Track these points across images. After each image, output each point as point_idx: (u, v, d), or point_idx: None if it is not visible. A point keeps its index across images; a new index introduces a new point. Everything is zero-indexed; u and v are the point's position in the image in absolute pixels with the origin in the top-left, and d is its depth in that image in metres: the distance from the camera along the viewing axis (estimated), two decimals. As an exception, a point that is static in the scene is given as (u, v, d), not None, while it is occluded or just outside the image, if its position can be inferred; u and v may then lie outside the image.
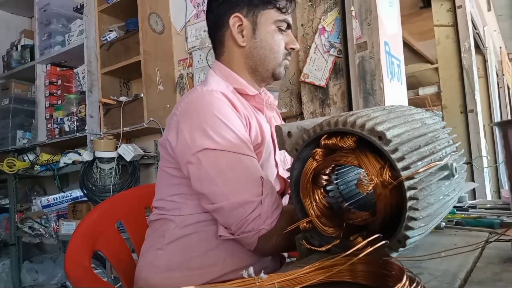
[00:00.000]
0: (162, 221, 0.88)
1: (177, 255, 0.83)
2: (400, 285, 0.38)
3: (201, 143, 0.77)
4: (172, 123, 0.84)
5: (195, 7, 2.23)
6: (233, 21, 0.92)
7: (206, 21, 0.99)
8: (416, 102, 3.81)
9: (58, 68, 2.76)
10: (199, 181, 0.78)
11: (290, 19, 0.96)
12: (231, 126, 0.80)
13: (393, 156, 0.54)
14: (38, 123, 2.74)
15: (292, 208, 0.82)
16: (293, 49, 0.97)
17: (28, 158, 2.62)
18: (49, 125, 2.64)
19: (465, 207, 0.92)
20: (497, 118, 4.11)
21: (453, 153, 0.65)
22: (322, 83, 1.58)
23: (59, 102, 2.67)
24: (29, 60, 2.92)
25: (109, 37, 2.33)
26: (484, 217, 0.79)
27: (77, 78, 2.60)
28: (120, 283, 1.03)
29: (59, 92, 2.70)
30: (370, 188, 0.56)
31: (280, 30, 0.94)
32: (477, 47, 3.71)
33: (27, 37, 3.06)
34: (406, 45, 3.80)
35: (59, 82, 2.71)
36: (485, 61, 4.12)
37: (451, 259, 0.55)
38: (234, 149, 0.78)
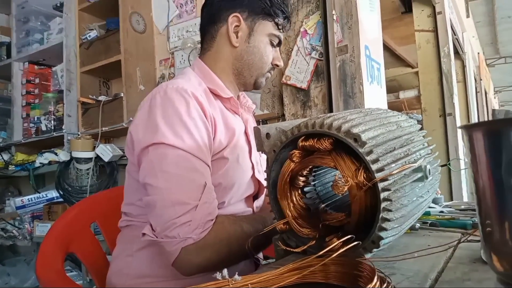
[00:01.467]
0: (130, 227, 0.86)
1: (146, 262, 0.81)
2: (371, 285, 0.39)
3: (151, 138, 0.75)
4: (135, 118, 0.84)
5: (178, 8, 2.21)
6: (232, 19, 0.92)
7: (202, 12, 0.98)
8: (397, 105, 3.88)
9: (36, 67, 2.70)
10: (143, 172, 0.75)
11: (282, 37, 0.99)
12: (189, 126, 0.77)
13: (368, 158, 0.54)
14: (14, 122, 2.67)
15: (235, 219, 0.79)
16: (277, 65, 1.00)
17: (3, 158, 2.54)
18: (26, 124, 2.57)
19: (440, 208, 0.94)
20: (474, 121, 4.23)
21: (427, 156, 0.66)
22: (304, 85, 1.59)
23: (36, 101, 2.61)
24: (5, 57, 2.84)
25: (89, 36, 2.28)
26: (457, 218, 0.81)
27: (55, 76, 2.54)
28: (95, 287, 1.01)
29: (36, 90, 2.63)
30: (345, 189, 0.56)
31: (272, 44, 0.96)
32: (456, 52, 3.81)
33: (4, 34, 2.97)
34: (388, 49, 3.87)
35: (37, 80, 2.64)
36: (463, 66, 4.23)
37: (423, 260, 0.55)
38: (186, 148, 0.74)
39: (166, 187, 0.72)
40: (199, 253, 0.71)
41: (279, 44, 0.99)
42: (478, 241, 0.60)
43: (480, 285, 0.44)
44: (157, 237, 0.72)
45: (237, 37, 0.93)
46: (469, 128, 0.29)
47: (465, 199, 2.68)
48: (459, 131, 2.89)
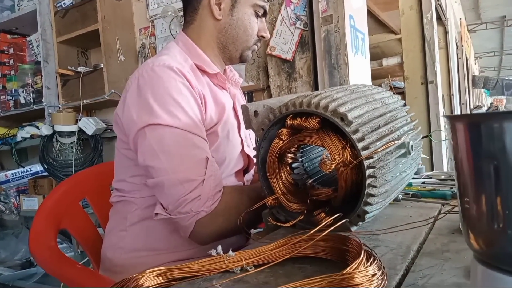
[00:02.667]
0: (123, 203, 0.87)
1: (141, 236, 0.83)
2: (358, 260, 0.41)
3: (146, 119, 0.75)
4: (122, 97, 0.82)
5: (156, -28, 2.12)
6: None
7: None
8: (379, 72, 3.89)
9: (8, 36, 2.58)
10: (143, 155, 0.76)
11: (267, 7, 0.96)
12: (181, 103, 0.77)
13: (354, 137, 0.56)
14: (-10, 95, 2.57)
15: (238, 189, 0.82)
16: (264, 37, 0.97)
17: (-18, 132, 2.47)
18: (3, 97, 2.49)
19: (421, 178, 0.98)
20: (455, 88, 4.30)
21: (410, 131, 0.69)
22: (289, 57, 1.58)
23: (12, 72, 2.51)
24: (-26, 25, 2.70)
25: (64, 3, 2.18)
26: (438, 189, 0.85)
27: (31, 47, 2.45)
28: (87, 258, 1.03)
29: (11, 61, 2.53)
30: (333, 167, 0.58)
31: (257, 14, 0.94)
32: (438, 18, 3.80)
33: (-29, 0, 2.80)
34: (371, 15, 3.83)
35: (11, 51, 2.53)
36: (446, 33, 4.24)
37: (406, 232, 0.59)
38: (182, 127, 0.75)
39: (170, 167, 0.73)
40: (212, 223, 0.74)
41: (265, 14, 0.96)
42: (457, 212, 0.64)
43: (458, 256, 0.48)
44: (170, 215, 0.74)
45: (219, 9, 0.90)
46: (452, 119, 0.31)
47: (445, 167, 2.78)
48: (440, 99, 2.94)
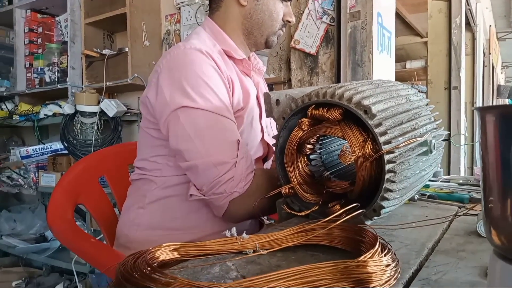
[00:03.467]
0: (143, 181, 0.89)
1: (158, 215, 0.85)
2: (372, 250, 0.41)
3: (180, 101, 0.77)
4: (153, 81, 0.83)
5: (186, -40, 2.13)
6: None
7: None
8: (402, 75, 3.83)
9: (38, 15, 2.63)
10: (176, 138, 0.78)
11: None
12: (212, 86, 0.79)
13: (377, 130, 0.56)
14: (17, 72, 2.64)
15: (267, 172, 0.84)
16: (289, 21, 0.97)
17: (7, 107, 2.55)
18: (29, 75, 2.55)
19: (439, 181, 0.97)
20: (479, 96, 4.20)
21: (433, 130, 0.68)
22: (313, 51, 1.57)
23: (40, 51, 2.56)
24: (6, 3, 2.76)
25: (94, -15, 2.21)
26: (455, 192, 0.84)
27: (59, 27, 2.49)
28: (101, 235, 1.05)
29: (39, 40, 2.59)
30: (352, 159, 0.58)
31: (281, 1, 0.94)
32: (467, 23, 3.71)
33: (5, -22, 2.87)
34: (398, 16, 3.76)
35: (40, 30, 2.59)
36: (473, 39, 4.13)
37: (421, 230, 0.58)
38: (214, 110, 0.77)
39: (204, 150, 0.75)
40: (245, 203, 0.76)
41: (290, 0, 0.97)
42: (474, 215, 0.63)
43: (474, 256, 0.47)
44: (205, 196, 0.77)
45: None
46: (483, 110, 0.30)
47: (462, 173, 2.73)
48: (463, 106, 2.88)
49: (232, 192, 0.75)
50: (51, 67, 2.42)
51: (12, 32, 2.76)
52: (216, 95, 0.79)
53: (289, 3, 0.97)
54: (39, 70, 2.47)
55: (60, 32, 2.49)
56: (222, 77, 0.82)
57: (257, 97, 0.96)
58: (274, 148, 0.71)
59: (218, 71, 0.82)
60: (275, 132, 0.74)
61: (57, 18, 2.52)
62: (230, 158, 0.76)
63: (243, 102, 0.88)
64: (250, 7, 0.92)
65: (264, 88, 1.05)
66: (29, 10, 2.61)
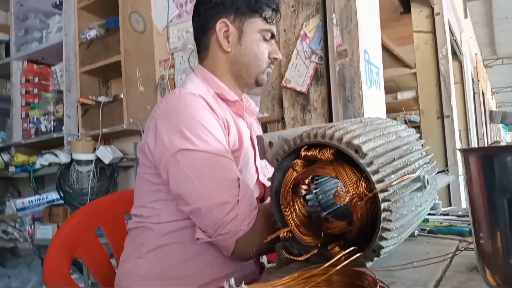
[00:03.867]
0: (140, 229, 0.88)
1: (156, 264, 0.83)
2: (373, 297, 0.40)
3: (178, 144, 0.78)
4: (151, 126, 0.84)
5: (177, 7, 2.21)
6: (219, 26, 0.93)
7: (193, 24, 1.00)
8: (394, 106, 3.89)
9: (35, 65, 2.69)
10: (177, 182, 0.78)
11: (274, 30, 0.98)
12: (209, 128, 0.80)
13: (369, 169, 0.56)
14: (13, 122, 2.66)
15: (268, 206, 0.83)
16: (276, 58, 0.99)
17: (2, 159, 2.54)
18: (25, 125, 2.57)
19: (438, 214, 0.96)
20: (472, 123, 4.25)
21: (425, 165, 0.68)
22: (303, 89, 1.60)
23: (36, 101, 2.60)
24: (4, 56, 2.84)
25: (89, 35, 2.29)
26: (455, 225, 0.83)
27: (54, 76, 2.55)
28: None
29: (35, 90, 2.63)
30: (347, 199, 0.58)
31: (265, 39, 0.96)
32: (454, 53, 3.82)
33: (2, 31, 2.96)
34: (386, 49, 3.89)
35: (36, 80, 2.64)
36: (461, 67, 4.25)
37: (422, 268, 0.57)
38: (212, 150, 0.78)
39: (206, 192, 0.76)
40: (252, 240, 0.76)
41: (273, 37, 0.98)
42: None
43: (477, 296, 0.46)
44: (211, 238, 0.76)
45: (228, 42, 0.94)
46: (465, 152, 0.31)
47: (463, 203, 2.70)
48: (457, 133, 2.91)
49: (237, 231, 0.75)
50: (47, 116, 2.44)
51: (8, 83, 2.81)
52: (213, 136, 0.80)
53: (273, 41, 0.99)
54: (35, 120, 2.49)
55: (56, 81, 2.54)
56: (217, 119, 0.84)
57: (251, 139, 0.97)
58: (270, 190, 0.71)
59: (213, 113, 0.84)
60: (271, 172, 0.74)
61: (52, 68, 2.58)
62: (231, 197, 0.76)
63: (239, 143, 0.89)
64: (235, 52, 0.94)
65: (258, 129, 1.06)
66: (26, 61, 2.67)
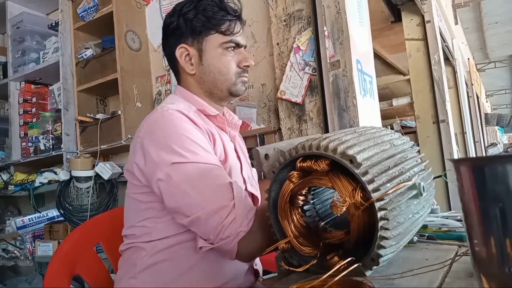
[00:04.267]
0: (132, 249, 0.88)
1: (150, 282, 0.83)
2: (372, 306, 0.41)
3: (168, 159, 0.79)
4: (137, 146, 0.85)
5: (172, 24, 2.25)
6: (179, 52, 0.95)
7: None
8: (390, 112, 3.92)
9: (32, 86, 2.71)
10: (172, 196, 0.79)
11: (238, 39, 0.96)
12: (195, 140, 0.82)
13: (364, 179, 0.57)
14: (12, 142, 2.67)
15: (261, 207, 0.82)
16: (247, 66, 0.98)
17: (2, 178, 2.54)
18: (24, 144, 2.57)
19: (437, 220, 0.96)
20: (467, 126, 4.28)
21: (421, 172, 0.69)
22: (299, 100, 1.62)
23: (34, 120, 2.61)
24: (1, 77, 2.86)
25: (85, 54, 2.31)
26: (453, 230, 0.83)
27: (52, 95, 2.56)
28: (100, 307, 1.02)
29: (33, 110, 2.64)
30: (344, 209, 0.59)
31: (228, 51, 0.95)
32: (446, 59, 3.87)
33: (0, 53, 2.99)
34: (379, 57, 3.94)
35: (34, 99, 2.65)
36: (454, 72, 4.30)
37: (422, 275, 0.58)
38: (202, 160, 0.79)
39: (203, 200, 0.77)
40: (253, 239, 0.76)
41: (239, 46, 0.97)
42: (473, 255, 0.62)
43: (475, 301, 0.46)
44: (213, 244, 0.77)
45: (191, 64, 0.96)
46: (456, 162, 0.32)
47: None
48: (453, 137, 2.93)
49: (237, 233, 0.75)
50: (45, 135, 2.45)
51: (7, 104, 2.82)
52: (201, 146, 0.82)
53: (241, 49, 0.98)
54: (33, 139, 2.50)
55: (54, 100, 2.55)
56: (202, 132, 0.86)
57: (236, 150, 0.99)
58: (259, 199, 0.72)
59: (196, 127, 0.85)
60: (257, 181, 0.75)
61: (50, 87, 2.59)
62: (227, 201, 0.77)
63: (224, 155, 0.91)
64: (199, 72, 0.96)
65: (241, 142, 1.08)
66: (23, 82, 2.69)
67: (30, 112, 2.65)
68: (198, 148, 0.81)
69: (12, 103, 2.71)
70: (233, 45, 0.95)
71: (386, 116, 3.90)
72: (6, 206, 2.90)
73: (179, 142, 0.80)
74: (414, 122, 3.41)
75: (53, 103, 2.56)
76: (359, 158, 0.58)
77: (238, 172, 0.94)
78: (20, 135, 2.63)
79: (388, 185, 0.58)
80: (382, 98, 2.98)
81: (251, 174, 1.02)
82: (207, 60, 0.95)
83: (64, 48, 2.39)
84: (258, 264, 1.01)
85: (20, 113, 2.65)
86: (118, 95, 2.15)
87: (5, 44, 3.07)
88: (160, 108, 0.87)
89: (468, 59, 5.92)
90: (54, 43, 2.56)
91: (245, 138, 1.09)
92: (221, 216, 0.75)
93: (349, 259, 0.53)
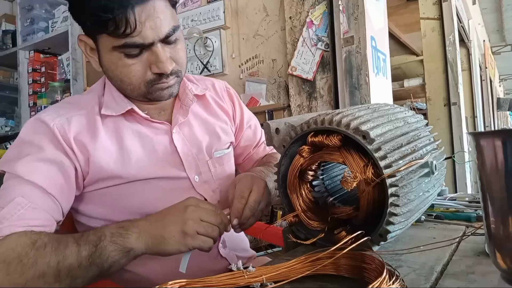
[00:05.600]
0: None
1: None
2: (380, 279, 0.41)
3: None
4: None
5: (182, -4, 2.20)
6: (81, 44, 0.76)
7: None
8: (401, 93, 3.87)
9: (41, 55, 2.70)
10: None
11: (137, 39, 0.68)
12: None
13: (376, 155, 0.56)
14: (21, 111, 2.69)
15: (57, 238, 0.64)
16: (159, 73, 0.73)
17: (11, 147, 2.57)
18: (33, 113, 2.60)
19: (445, 200, 0.96)
20: (479, 110, 4.22)
21: (433, 151, 0.68)
22: (310, 77, 1.59)
23: (43, 89, 2.62)
24: (11, 46, 2.85)
25: (94, 24, 2.29)
26: (462, 211, 0.83)
27: (61, 65, 2.56)
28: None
29: (42, 79, 2.65)
30: (354, 185, 0.58)
31: (129, 56, 0.71)
32: (461, 40, 3.77)
33: (9, 22, 2.97)
34: (393, 36, 3.85)
35: (43, 69, 2.66)
36: (469, 54, 4.20)
37: (429, 253, 0.58)
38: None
39: None
40: None
41: (145, 48, 0.70)
42: (482, 234, 0.62)
43: (484, 278, 0.46)
44: None
45: (98, 59, 0.76)
46: (477, 136, 0.31)
47: (469, 190, 2.70)
48: (464, 120, 2.89)
49: None
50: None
51: (16, 73, 2.83)
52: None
53: (152, 50, 0.71)
54: (42, 108, 2.51)
55: (63, 70, 2.55)
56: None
57: (173, 144, 0.82)
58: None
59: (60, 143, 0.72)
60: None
61: (59, 57, 2.59)
62: None
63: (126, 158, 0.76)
64: (103, 71, 0.78)
65: (200, 124, 0.89)
66: (32, 51, 2.69)
67: (39, 82, 2.65)
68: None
69: (21, 72, 2.71)
70: (137, 50, 0.70)
71: (397, 97, 3.85)
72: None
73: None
74: (424, 104, 3.36)
75: (62, 73, 2.56)
76: (372, 134, 0.57)
77: (172, 171, 0.80)
78: (29, 104, 2.65)
79: (400, 162, 0.57)
80: (393, 78, 2.93)
81: (216, 164, 0.87)
82: (105, 62, 0.74)
83: (73, 18, 2.36)
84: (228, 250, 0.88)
85: (29, 82, 2.66)
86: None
87: (13, 12, 3.05)
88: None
89: (484, 41, 5.77)
90: (63, 12, 2.53)
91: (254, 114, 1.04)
92: None
93: (359, 232, 0.53)
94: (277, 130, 0.73)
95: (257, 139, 1.03)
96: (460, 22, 3.59)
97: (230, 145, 0.94)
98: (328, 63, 1.56)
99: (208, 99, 0.93)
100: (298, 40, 1.62)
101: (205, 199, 0.83)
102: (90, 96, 0.80)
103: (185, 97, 0.85)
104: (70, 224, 0.84)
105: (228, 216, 0.72)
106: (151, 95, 0.77)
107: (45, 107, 2.51)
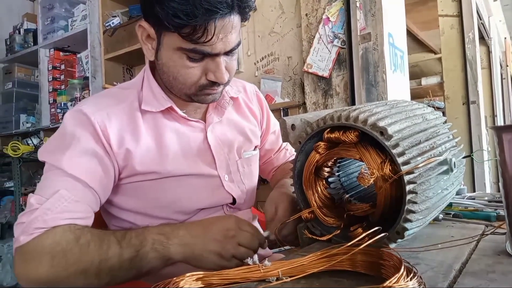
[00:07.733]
0: None
1: None
2: (398, 275, 0.41)
3: None
4: None
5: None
6: (139, 30, 0.76)
7: None
8: (418, 92, 3.80)
9: (61, 53, 2.76)
10: None
11: (207, 48, 0.70)
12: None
13: (394, 151, 0.56)
14: (42, 108, 2.76)
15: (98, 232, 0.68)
16: (214, 82, 0.75)
17: (32, 142, 2.64)
18: (53, 110, 2.65)
19: (464, 199, 0.94)
20: (499, 109, 4.12)
21: (452, 148, 0.67)
22: (325, 74, 1.58)
23: (63, 87, 2.68)
24: (32, 44, 2.92)
25: (113, 22, 2.32)
26: (481, 210, 0.82)
27: (80, 63, 2.61)
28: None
29: (62, 77, 2.71)
30: (371, 181, 0.58)
31: (191, 59, 0.72)
32: (481, 37, 3.69)
33: (30, 20, 3.05)
34: (410, 34, 3.78)
35: (63, 67, 2.71)
36: (489, 52, 4.10)
37: (447, 251, 0.57)
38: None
39: None
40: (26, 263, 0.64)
41: (207, 56, 0.72)
42: (503, 233, 0.61)
43: (505, 278, 0.46)
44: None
45: (151, 49, 0.75)
46: (499, 130, 0.30)
47: (488, 189, 2.64)
48: (483, 120, 2.83)
49: (17, 239, 0.65)
50: (73, 102, 2.51)
51: (37, 70, 2.90)
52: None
53: (215, 59, 0.72)
54: (62, 105, 2.57)
55: (82, 68, 2.60)
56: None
57: (207, 141, 0.85)
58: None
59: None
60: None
61: (78, 55, 2.64)
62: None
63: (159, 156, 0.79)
64: (157, 63, 0.77)
65: (231, 128, 0.91)
66: (53, 49, 2.75)
67: (58, 79, 2.71)
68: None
69: (42, 70, 2.78)
70: (200, 56, 0.71)
71: (414, 96, 3.78)
72: (36, 169, 3.02)
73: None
74: (442, 103, 3.30)
75: (81, 71, 2.61)
76: (390, 130, 0.57)
77: (204, 169, 0.83)
78: (49, 101, 2.71)
79: (418, 159, 0.57)
80: (411, 76, 2.88)
81: (244, 165, 0.90)
82: (162, 58, 0.74)
83: (92, 16, 2.40)
84: None
85: (49, 80, 2.72)
86: (144, 64, 2.16)
87: (35, 12, 3.12)
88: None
89: (505, 38, 5.63)
90: (82, 10, 2.58)
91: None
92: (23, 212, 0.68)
93: (376, 228, 0.52)
94: (293, 126, 0.73)
95: (279, 145, 1.08)
96: (480, 19, 3.50)
97: (256, 147, 0.98)
98: (344, 60, 1.54)
99: (240, 101, 0.96)
100: (314, 37, 1.62)
101: (233, 198, 0.86)
102: (129, 90, 0.82)
103: (222, 99, 0.88)
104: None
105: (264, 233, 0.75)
106: (196, 97, 0.79)
107: (64, 104, 2.56)
